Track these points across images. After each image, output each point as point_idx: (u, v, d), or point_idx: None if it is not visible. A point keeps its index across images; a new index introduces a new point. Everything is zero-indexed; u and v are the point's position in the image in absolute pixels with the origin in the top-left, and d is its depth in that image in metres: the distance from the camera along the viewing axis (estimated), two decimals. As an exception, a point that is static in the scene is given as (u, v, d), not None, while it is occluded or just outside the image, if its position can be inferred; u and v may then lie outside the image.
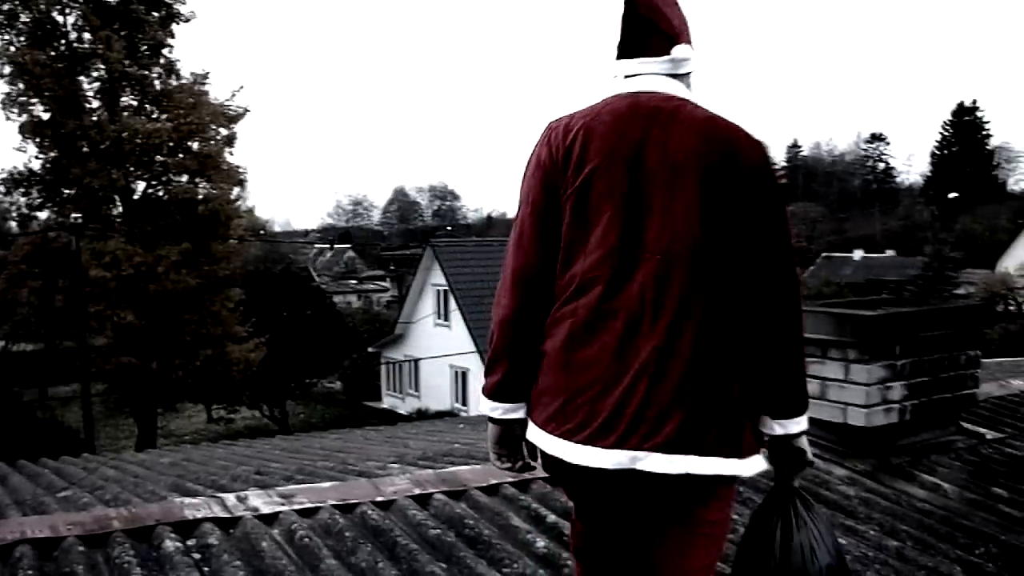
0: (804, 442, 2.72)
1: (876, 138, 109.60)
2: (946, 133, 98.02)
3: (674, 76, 2.65)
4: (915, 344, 5.59)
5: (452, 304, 34.84)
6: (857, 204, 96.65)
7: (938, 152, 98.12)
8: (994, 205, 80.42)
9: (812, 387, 5.38)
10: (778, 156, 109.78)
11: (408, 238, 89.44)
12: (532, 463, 2.79)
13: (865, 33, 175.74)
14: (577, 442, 2.47)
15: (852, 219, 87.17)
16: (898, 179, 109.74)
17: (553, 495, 4.61)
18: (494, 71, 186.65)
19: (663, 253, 2.46)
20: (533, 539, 4.06)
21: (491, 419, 2.76)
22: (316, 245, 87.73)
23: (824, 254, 72.72)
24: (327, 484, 4.64)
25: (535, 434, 2.61)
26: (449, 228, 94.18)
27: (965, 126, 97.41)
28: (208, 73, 27.46)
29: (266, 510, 4.18)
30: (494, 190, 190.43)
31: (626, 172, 2.50)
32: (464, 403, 34.30)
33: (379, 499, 4.39)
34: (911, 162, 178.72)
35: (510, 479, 4.72)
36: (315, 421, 33.28)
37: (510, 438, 2.75)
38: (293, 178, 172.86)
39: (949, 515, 4.83)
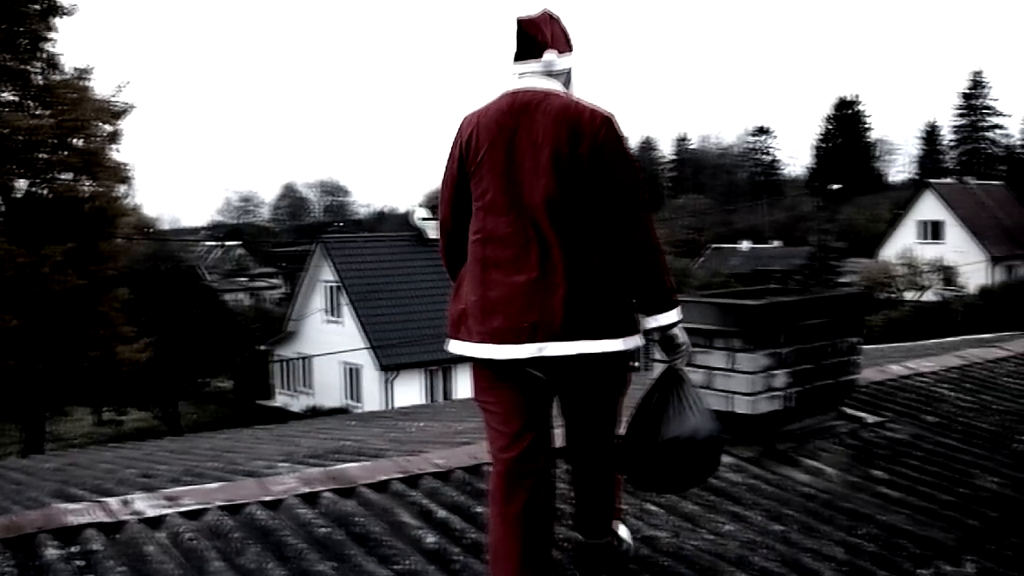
0: (677, 331, 3.59)
1: (762, 131, 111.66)
2: (828, 126, 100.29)
3: (549, 75, 3.58)
4: (798, 332, 5.70)
5: (343, 300, 34.66)
6: (744, 196, 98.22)
7: (821, 145, 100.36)
8: (875, 196, 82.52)
9: (698, 376, 5.51)
10: (666, 149, 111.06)
11: (298, 234, 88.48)
12: None
13: (750, 27, 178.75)
14: (498, 344, 3.41)
15: (739, 211, 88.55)
16: (783, 171, 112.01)
17: (442, 491, 4.62)
18: (383, 67, 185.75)
19: (530, 207, 3.40)
20: (422, 535, 4.06)
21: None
22: (205, 243, 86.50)
23: (712, 245, 73.90)
24: (214, 485, 4.58)
25: (469, 348, 3.55)
26: (339, 224, 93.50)
27: (846, 119, 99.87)
28: (91, 68, 26.92)
29: (151, 513, 4.11)
30: (384, 185, 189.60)
31: (504, 152, 3.45)
32: (357, 399, 34.16)
33: (267, 499, 4.34)
34: (795, 155, 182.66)
35: (399, 475, 4.71)
36: (206, 421, 32.82)
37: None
38: (181, 175, 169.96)
39: (831, 498, 4.93)
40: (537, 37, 3.57)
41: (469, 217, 3.59)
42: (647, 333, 3.58)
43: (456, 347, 3.62)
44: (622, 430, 3.70)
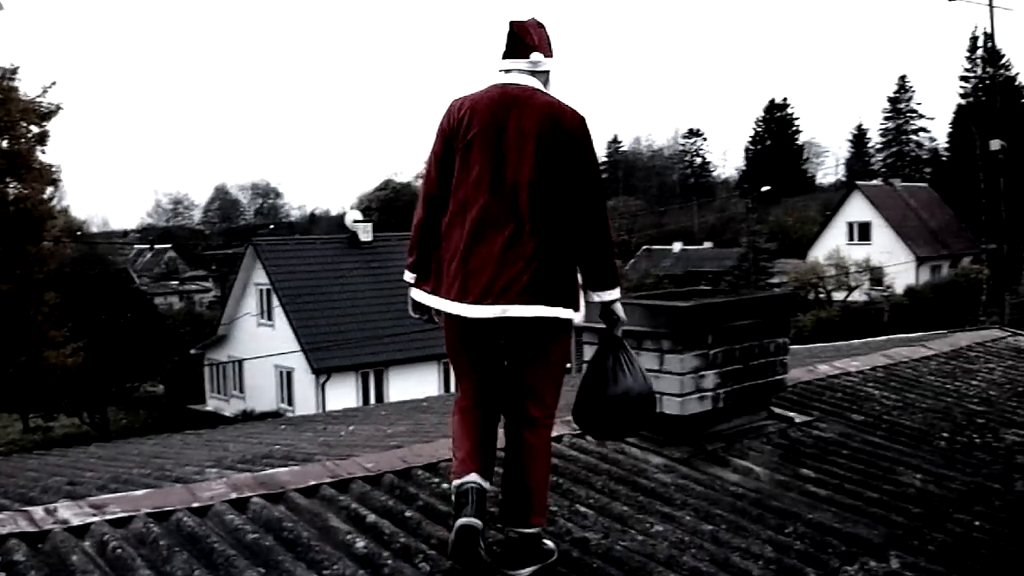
0: (618, 307, 4.15)
1: (693, 133, 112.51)
2: (759, 129, 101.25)
3: (533, 73, 4.11)
4: (727, 333, 5.76)
5: (276, 303, 34.41)
6: (676, 198, 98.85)
7: (751, 147, 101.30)
8: (804, 198, 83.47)
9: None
10: (598, 151, 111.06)
11: (230, 237, 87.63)
12: (436, 320, 4.22)
13: (681, 30, 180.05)
14: (469, 303, 3.91)
15: (671, 212, 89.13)
16: (714, 173, 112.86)
17: (372, 495, 4.60)
18: (316, 67, 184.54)
19: (512, 185, 3.90)
20: (352, 540, 4.02)
21: (410, 285, 4.26)
22: (135, 245, 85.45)
23: (644, 247, 74.30)
24: (141, 492, 4.51)
25: (438, 302, 4.06)
26: (272, 226, 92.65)
27: (776, 122, 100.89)
28: (17, 68, 26.44)
29: (76, 522, 4.03)
30: (317, 187, 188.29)
31: (494, 137, 3.95)
32: (290, 403, 33.91)
33: (195, 505, 4.28)
34: (726, 157, 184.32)
35: (329, 480, 4.69)
36: (137, 427, 32.39)
37: (418, 304, 4.24)
38: (110, 177, 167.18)
39: (760, 497, 4.99)
40: (525, 39, 4.11)
41: (450, 188, 4.06)
42: (593, 305, 4.16)
43: (432, 300, 4.12)
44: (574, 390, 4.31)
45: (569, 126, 3.96)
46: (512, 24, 4.15)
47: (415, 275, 4.25)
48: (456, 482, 3.97)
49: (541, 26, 4.20)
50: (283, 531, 4.09)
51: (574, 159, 3.96)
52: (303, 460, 5.59)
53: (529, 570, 3.95)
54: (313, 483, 4.65)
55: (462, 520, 3.81)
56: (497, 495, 4.20)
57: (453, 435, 4.16)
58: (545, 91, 4.10)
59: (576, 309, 4.05)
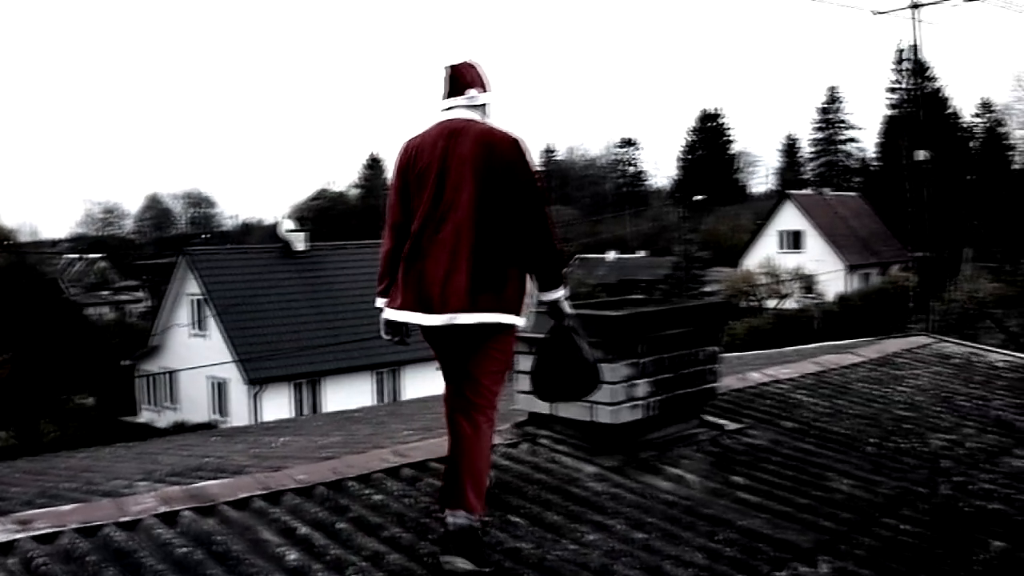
0: (564, 304, 4.60)
1: (627, 143, 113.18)
2: (692, 138, 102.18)
3: (472, 107, 4.64)
4: (658, 342, 5.80)
5: (209, 313, 34.08)
6: (610, 207, 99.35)
7: (685, 156, 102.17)
8: (737, 206, 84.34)
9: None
10: (534, 161, 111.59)
11: (163, 246, 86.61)
12: (407, 340, 4.70)
13: (615, 40, 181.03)
14: (422, 312, 4.38)
15: (605, 221, 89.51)
16: (648, 182, 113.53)
17: (304, 507, 4.57)
18: (249, 76, 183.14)
19: (454, 206, 4.37)
20: (284, 552, 4.00)
21: (381, 310, 4.66)
22: (66, 255, 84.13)
23: (579, 256, 74.47)
24: (69, 507, 4.45)
25: (401, 315, 4.50)
26: (205, 236, 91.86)
27: (709, 132, 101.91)
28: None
29: (1, 539, 3.97)
30: (251, 196, 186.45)
31: (438, 167, 4.44)
32: (224, 414, 33.58)
33: (124, 519, 4.23)
34: (660, 166, 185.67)
35: (260, 492, 4.66)
36: (67, 440, 31.88)
37: (391, 324, 4.65)
38: (40, 185, 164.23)
39: (692, 505, 5.02)
40: (461, 79, 4.65)
41: (410, 217, 4.55)
42: (541, 305, 4.67)
43: (397, 314, 4.54)
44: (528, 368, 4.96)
45: (501, 148, 4.43)
46: (449, 67, 4.69)
47: (386, 299, 4.66)
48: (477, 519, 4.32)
49: (474, 65, 4.74)
50: (213, 545, 4.05)
51: (509, 177, 4.40)
52: (234, 472, 5.54)
53: (464, 564, 4.05)
54: (244, 496, 4.62)
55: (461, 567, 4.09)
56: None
57: (477, 464, 4.45)
58: (481, 121, 4.62)
59: (518, 315, 4.49)
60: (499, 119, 4.74)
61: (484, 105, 4.73)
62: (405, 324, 4.59)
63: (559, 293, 4.58)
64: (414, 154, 4.58)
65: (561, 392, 4.96)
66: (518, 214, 4.41)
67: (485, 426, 4.47)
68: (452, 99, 4.68)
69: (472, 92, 4.66)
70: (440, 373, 4.75)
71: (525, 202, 4.42)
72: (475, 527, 4.22)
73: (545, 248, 4.49)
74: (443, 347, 4.59)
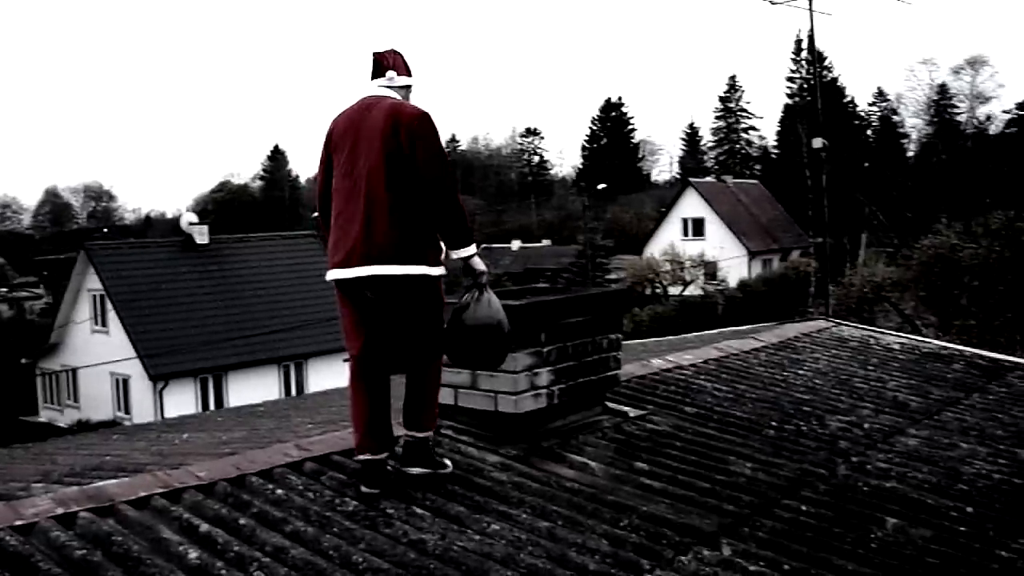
0: (476, 261, 4.98)
1: (531, 132, 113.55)
2: (595, 128, 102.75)
3: (391, 87, 5.11)
4: (560, 330, 5.82)
5: (110, 309, 33.45)
6: (514, 196, 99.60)
7: (588, 146, 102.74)
8: (639, 195, 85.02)
9: (463, 378, 5.60)
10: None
11: (62, 242, 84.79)
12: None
13: (516, 30, 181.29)
14: (345, 267, 4.83)
15: (509, 211, 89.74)
16: (552, 172, 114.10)
17: (206, 503, 4.51)
18: (147, 65, 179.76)
19: (364, 175, 4.81)
20: (185, 551, 3.94)
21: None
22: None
23: (484, 245, 74.50)
24: (-40, 511, 4.33)
25: (331, 273, 4.92)
26: (105, 230, 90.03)
27: (612, 121, 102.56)
28: None
29: None
30: (152, 189, 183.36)
31: (352, 138, 4.92)
32: (127, 411, 33.01)
33: (19, 523, 4.11)
34: (563, 155, 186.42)
35: (160, 490, 4.58)
36: (-38, 441, 31.08)
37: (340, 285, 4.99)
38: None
39: (596, 492, 5.05)
40: (383, 63, 5.14)
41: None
42: (454, 262, 5.10)
43: (329, 274, 4.96)
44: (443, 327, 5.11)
45: (407, 120, 4.84)
46: (374, 54, 5.19)
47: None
48: (356, 456, 5.00)
49: (398, 53, 5.24)
50: (112, 546, 3.97)
51: (414, 145, 4.81)
52: (134, 471, 5.44)
53: (419, 469, 5.06)
54: (144, 494, 4.53)
55: (364, 489, 4.85)
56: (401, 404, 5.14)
57: (350, 407, 5.05)
58: (395, 98, 5.05)
59: (434, 265, 4.92)
60: (421, 98, 5.28)
61: (404, 88, 5.18)
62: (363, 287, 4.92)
63: (469, 251, 4.97)
64: (337, 127, 5.08)
65: (475, 357, 5.19)
66: (425, 178, 4.82)
67: (436, 363, 5.15)
68: (374, 81, 5.15)
69: (392, 74, 5.13)
70: (349, 355, 5.08)
71: (430, 168, 4.82)
72: (428, 440, 5.12)
73: (451, 209, 4.89)
74: (364, 305, 4.95)
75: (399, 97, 5.10)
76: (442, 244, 5.02)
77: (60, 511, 4.28)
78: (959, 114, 72.89)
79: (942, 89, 73.93)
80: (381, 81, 5.14)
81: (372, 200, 4.79)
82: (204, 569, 3.82)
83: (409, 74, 5.22)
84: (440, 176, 4.85)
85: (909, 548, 4.66)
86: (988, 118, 71.40)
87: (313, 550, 4.09)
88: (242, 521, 4.32)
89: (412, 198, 4.84)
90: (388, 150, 4.81)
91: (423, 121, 4.89)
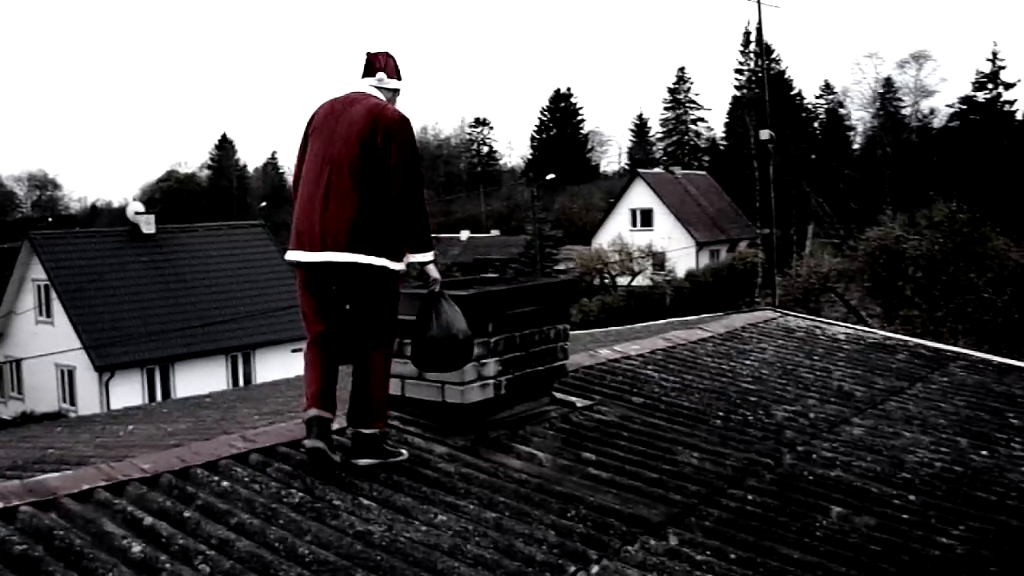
0: (431, 268, 5.18)
1: (480, 123, 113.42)
2: (544, 118, 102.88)
3: (379, 88, 5.27)
4: (507, 321, 5.82)
5: (55, 299, 33.08)
6: (463, 186, 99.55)
7: (537, 136, 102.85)
8: (588, 185, 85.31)
9: (410, 368, 5.59)
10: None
11: (5, 231, 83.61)
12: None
13: (465, 19, 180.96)
14: (304, 250, 4.98)
15: (458, 201, 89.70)
16: (501, 162, 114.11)
17: (149, 496, 4.46)
18: (92, 51, 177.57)
19: (335, 163, 4.94)
20: (128, 544, 3.89)
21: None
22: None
23: (433, 235, 74.17)
24: None
25: (289, 254, 5.09)
26: (50, 219, 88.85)
27: (561, 112, 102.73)
28: None
29: None
30: (98, 178, 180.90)
31: (330, 126, 5.06)
32: (72, 403, 32.67)
33: (-43, 518, 4.06)
34: (512, 146, 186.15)
35: (103, 483, 4.52)
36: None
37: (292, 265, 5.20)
38: None
39: (543, 482, 5.05)
40: (375, 64, 5.29)
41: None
42: (409, 266, 5.19)
43: (287, 255, 5.13)
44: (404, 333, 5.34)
45: (387, 121, 5.00)
46: (368, 54, 5.35)
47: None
48: (304, 413, 5.05)
49: (391, 56, 5.39)
50: (54, 540, 3.91)
51: (389, 146, 4.96)
52: (77, 463, 5.39)
53: (368, 460, 5.03)
54: (87, 487, 4.46)
55: (307, 442, 4.92)
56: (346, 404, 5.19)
57: (304, 373, 5.19)
58: (380, 97, 5.21)
59: (395, 260, 5.02)
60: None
61: (392, 91, 5.35)
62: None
63: (427, 257, 5.17)
64: (318, 114, 5.23)
65: (434, 360, 5.30)
66: (394, 178, 4.96)
67: (385, 358, 5.22)
68: (364, 79, 5.30)
69: (381, 75, 5.29)
70: (305, 345, 5.24)
71: (401, 169, 4.97)
72: (378, 436, 5.10)
73: (416, 212, 5.04)
74: (324, 290, 5.09)
75: (384, 99, 5.24)
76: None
77: (0, 505, 4.22)
78: (904, 107, 73.70)
79: (887, 83, 74.68)
80: (371, 81, 5.29)
81: (340, 188, 4.93)
82: (148, 563, 3.78)
83: (399, 78, 5.39)
84: (410, 180, 5.01)
85: (853, 536, 4.71)
86: (931, 112, 72.33)
87: (259, 542, 4.06)
88: (187, 514, 4.28)
89: (379, 194, 4.97)
90: (363, 143, 4.95)
91: (402, 124, 5.06)
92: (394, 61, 5.40)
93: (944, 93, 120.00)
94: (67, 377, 33.28)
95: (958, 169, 59.54)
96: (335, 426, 5.11)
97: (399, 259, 5.07)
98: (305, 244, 4.99)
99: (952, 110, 67.52)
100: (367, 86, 5.28)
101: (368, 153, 4.95)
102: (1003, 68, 66.05)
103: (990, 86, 65.59)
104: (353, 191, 4.92)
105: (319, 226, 4.93)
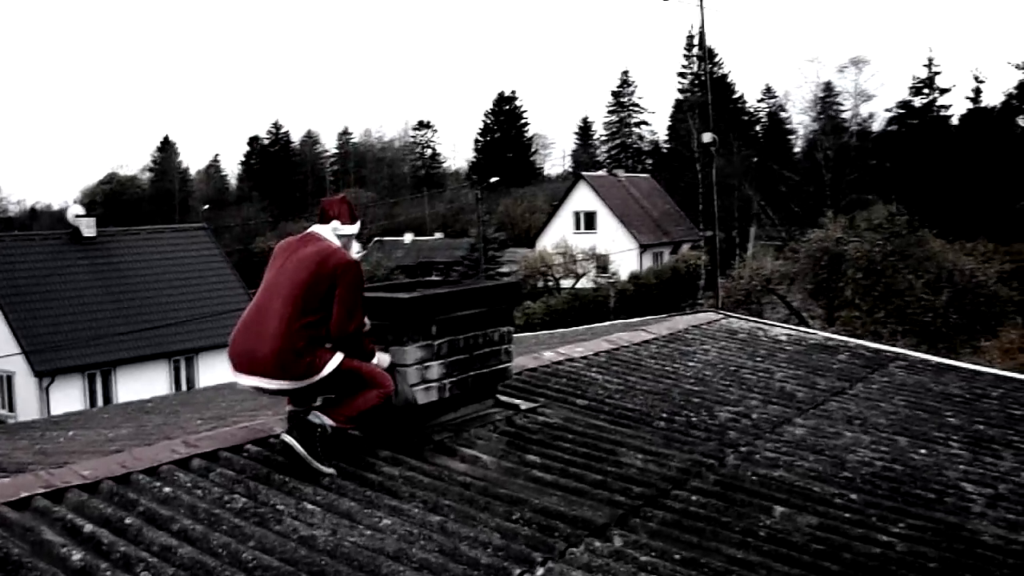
0: (378, 359, 5.45)
1: (423, 125, 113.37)
2: (488, 121, 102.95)
3: (335, 234, 5.48)
4: (451, 324, 5.82)
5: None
6: (406, 189, 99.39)
7: (481, 139, 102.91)
8: (532, 188, 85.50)
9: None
10: (329, 143, 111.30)
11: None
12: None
13: (408, 22, 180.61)
14: (243, 374, 5.19)
15: (402, 204, 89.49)
16: (445, 165, 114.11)
17: (90, 503, 4.41)
18: (31, 52, 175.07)
19: (278, 296, 5.17)
20: (68, 552, 3.85)
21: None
22: None
23: (376, 238, 74.20)
24: None
25: (233, 374, 5.32)
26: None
27: (505, 115, 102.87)
28: None
29: None
30: (38, 181, 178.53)
31: (282, 261, 5.35)
32: (11, 408, 32.20)
33: None
34: (456, 149, 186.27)
35: (42, 490, 4.46)
36: None
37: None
38: None
39: (487, 485, 5.05)
40: (329, 212, 5.55)
41: None
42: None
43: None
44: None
45: (333, 263, 5.25)
46: (322, 201, 5.77)
47: None
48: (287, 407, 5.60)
49: (345, 202, 5.69)
50: (-9, 549, 3.86)
51: (333, 288, 5.20)
52: (15, 471, 5.32)
53: (296, 445, 5.06)
54: (25, 495, 4.42)
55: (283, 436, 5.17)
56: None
57: None
58: (331, 241, 5.44)
59: (303, 379, 5.17)
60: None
61: (347, 236, 5.57)
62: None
63: (381, 359, 5.51)
64: (277, 248, 5.57)
65: (396, 427, 5.63)
66: (336, 315, 5.21)
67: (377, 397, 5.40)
68: (320, 226, 5.53)
69: (335, 223, 5.53)
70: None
71: (343, 309, 5.22)
72: (327, 429, 5.17)
73: (355, 340, 5.33)
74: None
75: (339, 244, 5.45)
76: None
77: (-64, 514, 4.16)
78: (844, 111, 74.42)
79: (827, 87, 75.39)
80: (326, 227, 5.50)
81: (281, 318, 5.11)
82: (88, 571, 3.74)
83: (353, 222, 5.61)
84: (351, 318, 5.27)
85: (796, 535, 4.75)
86: (871, 116, 72.94)
87: (202, 549, 4.04)
88: (128, 520, 4.24)
89: (315, 325, 5.16)
90: (309, 283, 5.18)
91: (349, 268, 5.28)
92: (348, 207, 5.65)
93: (882, 97, 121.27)
94: (6, 383, 32.79)
95: (896, 172, 60.25)
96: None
97: (315, 374, 5.19)
98: (239, 366, 5.23)
99: (890, 114, 68.24)
100: (326, 230, 5.48)
101: (310, 289, 5.16)
102: (938, 74, 66.78)
103: (926, 91, 66.32)
104: (292, 319, 5.10)
105: (249, 350, 5.15)
